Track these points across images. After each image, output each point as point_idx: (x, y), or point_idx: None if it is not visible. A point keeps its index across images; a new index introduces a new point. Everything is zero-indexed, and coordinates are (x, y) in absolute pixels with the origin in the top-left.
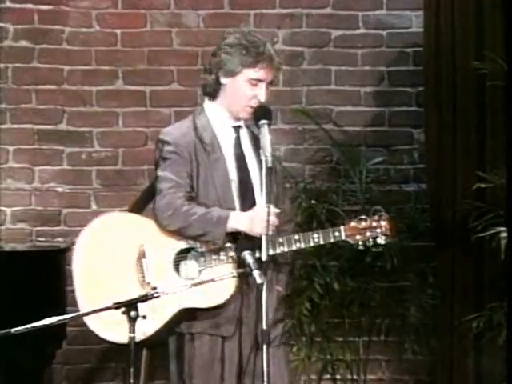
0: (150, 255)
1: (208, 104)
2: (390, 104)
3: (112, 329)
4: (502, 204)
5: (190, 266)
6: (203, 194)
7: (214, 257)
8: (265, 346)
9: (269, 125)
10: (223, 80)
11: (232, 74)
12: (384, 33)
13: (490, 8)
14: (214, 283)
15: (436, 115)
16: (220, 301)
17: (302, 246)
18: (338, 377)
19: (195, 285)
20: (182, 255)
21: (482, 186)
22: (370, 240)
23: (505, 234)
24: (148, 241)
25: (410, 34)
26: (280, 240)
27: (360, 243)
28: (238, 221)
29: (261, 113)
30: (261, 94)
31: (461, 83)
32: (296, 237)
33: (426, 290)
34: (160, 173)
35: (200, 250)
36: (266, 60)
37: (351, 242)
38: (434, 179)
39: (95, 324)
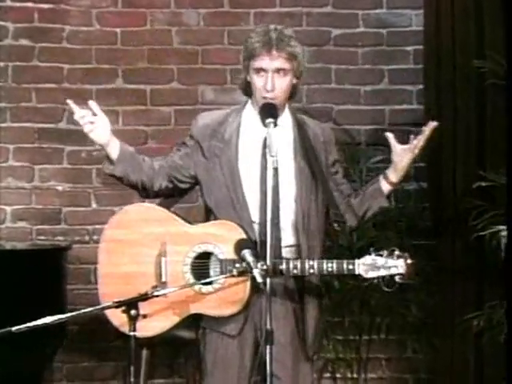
0: (170, 255)
1: (249, 100)
2: (390, 102)
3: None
4: (502, 203)
5: (206, 271)
6: (216, 190)
7: (229, 267)
8: (268, 347)
9: (275, 124)
10: (248, 77)
11: (247, 69)
12: (384, 31)
13: (490, 6)
14: (227, 292)
15: (436, 113)
16: (232, 311)
17: (316, 272)
18: (339, 375)
19: (184, 287)
20: (201, 260)
21: (483, 184)
22: (386, 277)
23: (505, 233)
24: (170, 240)
25: (410, 33)
26: (294, 263)
27: (375, 280)
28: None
29: (266, 111)
30: (267, 82)
31: (461, 81)
32: (310, 262)
33: (427, 289)
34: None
35: (219, 256)
36: (264, 48)
37: (364, 276)
38: (434, 178)
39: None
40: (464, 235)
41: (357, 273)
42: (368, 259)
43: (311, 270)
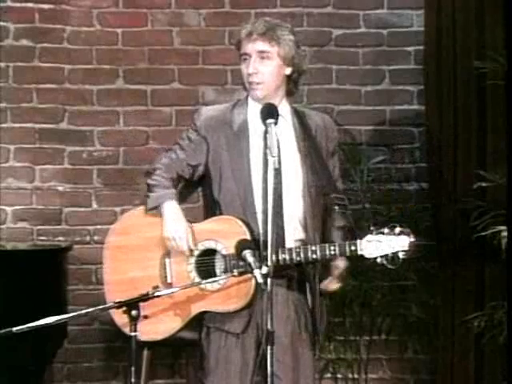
0: (174, 255)
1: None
2: (390, 103)
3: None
4: (502, 203)
5: (211, 268)
6: (224, 183)
7: (234, 262)
8: (269, 347)
9: (275, 124)
10: None
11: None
12: (385, 32)
13: (490, 7)
14: (232, 287)
15: (437, 114)
16: (238, 306)
17: (319, 257)
18: (339, 376)
19: (185, 287)
20: (205, 258)
21: (483, 184)
22: (389, 255)
23: (505, 233)
24: None
25: (411, 33)
26: (297, 249)
27: (379, 259)
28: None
29: (267, 111)
30: (249, 66)
31: (462, 82)
32: (313, 247)
33: (427, 289)
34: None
35: (222, 252)
36: (247, 33)
37: (367, 256)
38: (435, 178)
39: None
40: (465, 235)
41: (359, 253)
42: (370, 238)
43: (314, 256)
